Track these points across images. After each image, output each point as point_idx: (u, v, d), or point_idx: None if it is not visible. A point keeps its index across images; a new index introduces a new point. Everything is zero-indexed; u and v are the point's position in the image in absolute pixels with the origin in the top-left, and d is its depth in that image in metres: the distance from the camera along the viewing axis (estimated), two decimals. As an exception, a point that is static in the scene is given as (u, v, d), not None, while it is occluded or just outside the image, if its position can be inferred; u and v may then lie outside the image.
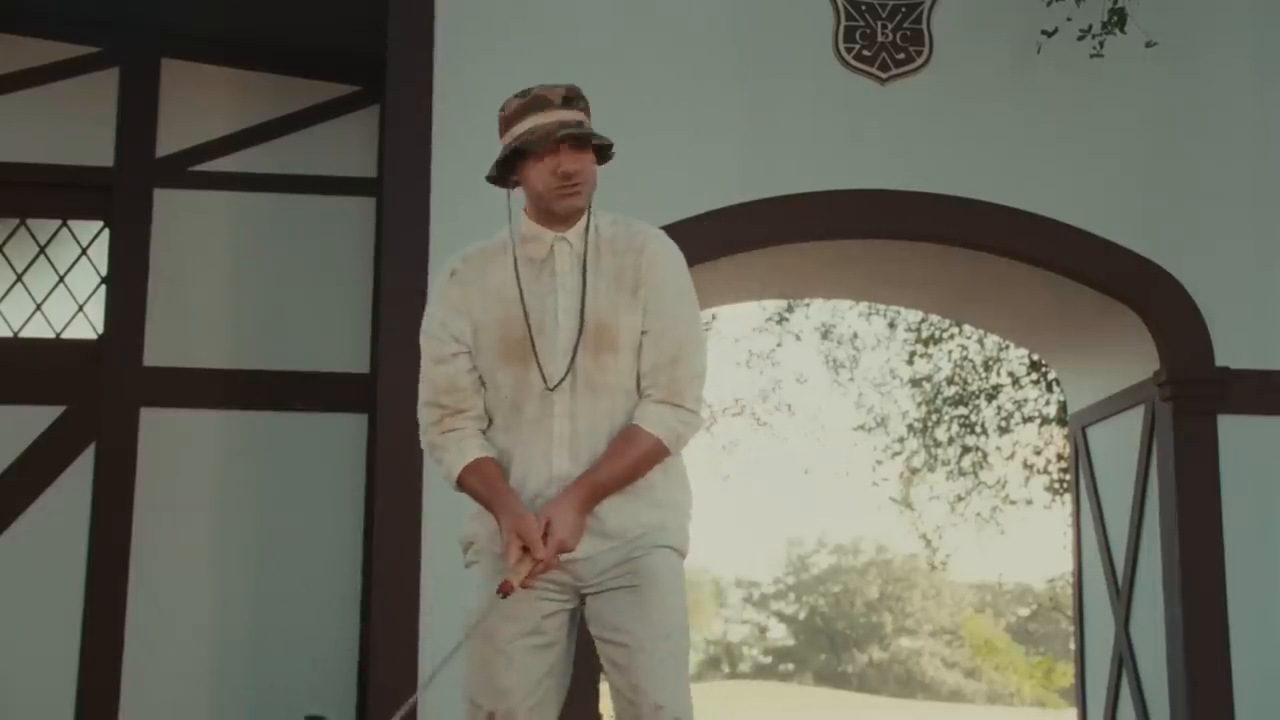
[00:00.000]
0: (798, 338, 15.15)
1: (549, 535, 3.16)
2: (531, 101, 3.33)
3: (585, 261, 3.35)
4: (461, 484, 3.36)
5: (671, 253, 3.42)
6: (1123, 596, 7.54)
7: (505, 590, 3.12)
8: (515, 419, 3.35)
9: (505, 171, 3.40)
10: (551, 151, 3.30)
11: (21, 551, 7.41)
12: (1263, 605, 6.89)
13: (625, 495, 3.31)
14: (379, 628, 6.51)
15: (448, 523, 6.48)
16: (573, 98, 3.33)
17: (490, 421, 3.40)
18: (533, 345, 3.31)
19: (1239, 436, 7.00)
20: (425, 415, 3.44)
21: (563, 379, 3.30)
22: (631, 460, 3.28)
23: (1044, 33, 6.96)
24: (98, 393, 7.56)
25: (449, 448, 3.38)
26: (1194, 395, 7.02)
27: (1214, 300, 7.10)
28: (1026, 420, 14.04)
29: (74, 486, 7.47)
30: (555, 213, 3.34)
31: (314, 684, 7.40)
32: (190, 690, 7.40)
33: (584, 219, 3.39)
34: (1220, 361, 7.06)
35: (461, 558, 3.49)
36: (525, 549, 3.16)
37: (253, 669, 7.44)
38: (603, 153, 3.40)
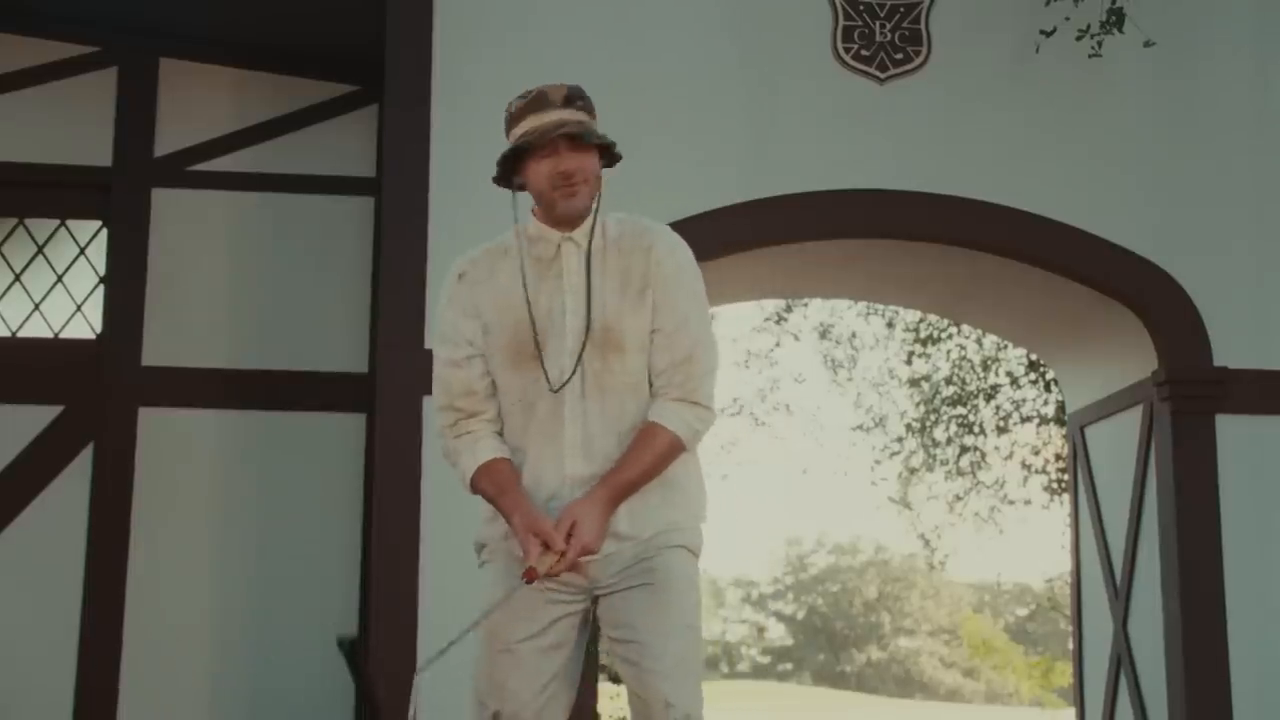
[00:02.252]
0: (796, 337, 15.16)
1: (574, 536, 3.17)
2: (533, 101, 3.33)
3: (590, 262, 3.34)
4: (475, 486, 3.36)
5: (680, 250, 3.41)
6: (1121, 596, 7.54)
7: (530, 577, 3.13)
8: (527, 421, 3.35)
9: (509, 172, 3.39)
10: (551, 151, 3.30)
11: (20, 551, 7.41)
12: (1261, 604, 6.89)
13: (639, 494, 3.31)
14: (377, 627, 6.50)
15: (446, 522, 6.51)
16: (574, 97, 3.33)
17: (504, 423, 3.39)
18: (538, 347, 3.31)
19: (1237, 436, 7.00)
20: (441, 419, 3.42)
21: (568, 380, 3.29)
22: (652, 458, 3.29)
23: (1042, 32, 6.96)
24: (96, 392, 7.56)
25: (463, 451, 3.37)
26: (1192, 395, 7.03)
27: (1212, 300, 7.10)
28: (1025, 420, 14.04)
29: (72, 486, 7.47)
30: (557, 213, 3.34)
31: (312, 683, 7.40)
32: (189, 689, 7.40)
33: (590, 219, 3.38)
34: (1219, 361, 7.06)
35: (476, 558, 3.48)
36: (545, 545, 3.16)
37: (251, 668, 7.44)
38: (610, 155, 3.39)
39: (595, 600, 3.35)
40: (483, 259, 3.43)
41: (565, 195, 3.31)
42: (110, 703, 7.30)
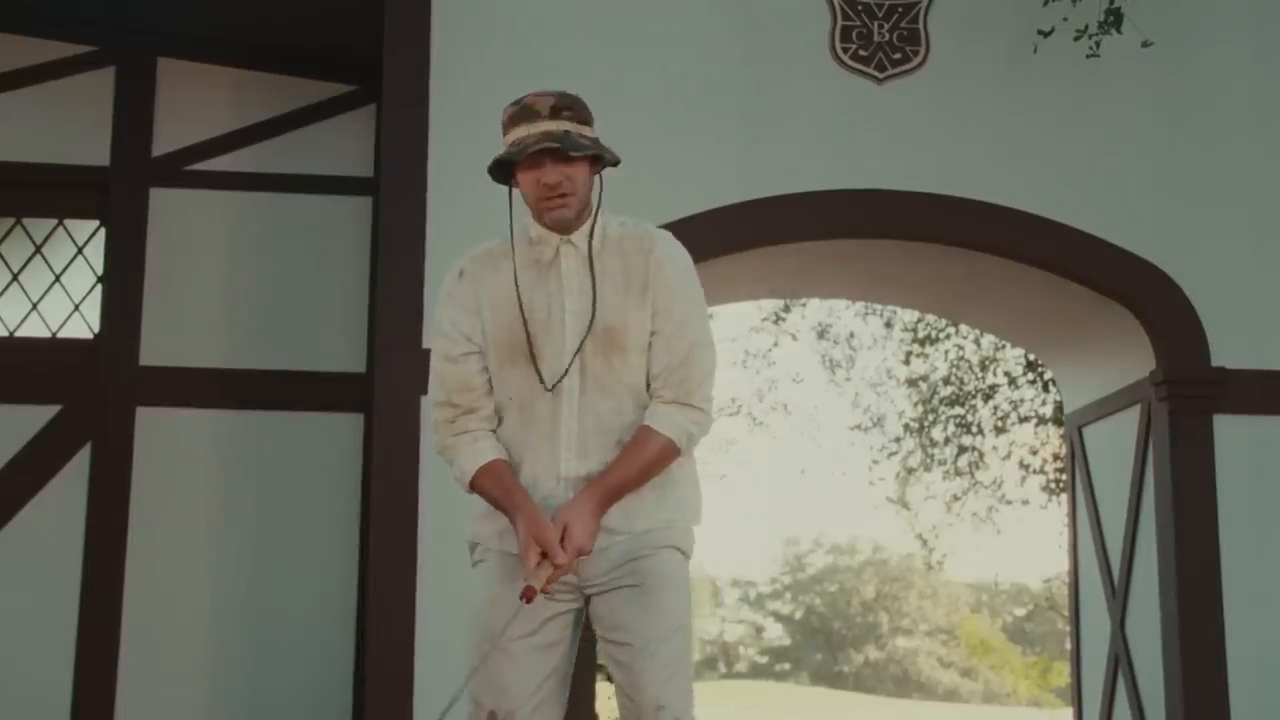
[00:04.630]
0: (794, 337, 15.17)
1: (567, 540, 3.17)
2: (519, 112, 3.34)
3: (591, 264, 3.34)
4: (475, 486, 3.36)
5: (679, 254, 3.42)
6: (1119, 596, 7.55)
7: (529, 596, 3.13)
8: (524, 420, 3.35)
9: (504, 177, 3.41)
10: (535, 164, 3.31)
11: (18, 551, 7.40)
12: (1259, 604, 6.89)
13: (633, 494, 3.32)
14: (375, 626, 6.50)
15: (444, 522, 6.50)
16: (562, 107, 3.32)
17: (500, 421, 3.40)
18: (531, 346, 3.32)
19: (1235, 436, 7.01)
20: (438, 414, 3.41)
21: (560, 379, 3.30)
22: (644, 462, 3.29)
23: (1040, 33, 6.96)
24: (94, 392, 7.56)
25: (461, 449, 3.37)
26: (1190, 395, 7.03)
27: (1210, 300, 7.10)
28: (1023, 420, 14.04)
29: (70, 486, 7.47)
30: (546, 224, 3.35)
31: (310, 682, 7.40)
32: (187, 687, 7.40)
33: (589, 222, 3.38)
34: (1216, 361, 7.07)
35: (468, 557, 3.48)
36: (544, 554, 3.16)
37: (249, 667, 7.44)
38: (604, 161, 3.39)
39: (588, 600, 3.36)
40: (484, 257, 3.44)
41: (550, 207, 3.32)
42: (108, 702, 7.30)
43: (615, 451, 3.31)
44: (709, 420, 3.40)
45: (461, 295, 3.41)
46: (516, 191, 3.43)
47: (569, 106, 3.34)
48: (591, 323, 3.30)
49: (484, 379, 3.38)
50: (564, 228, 3.35)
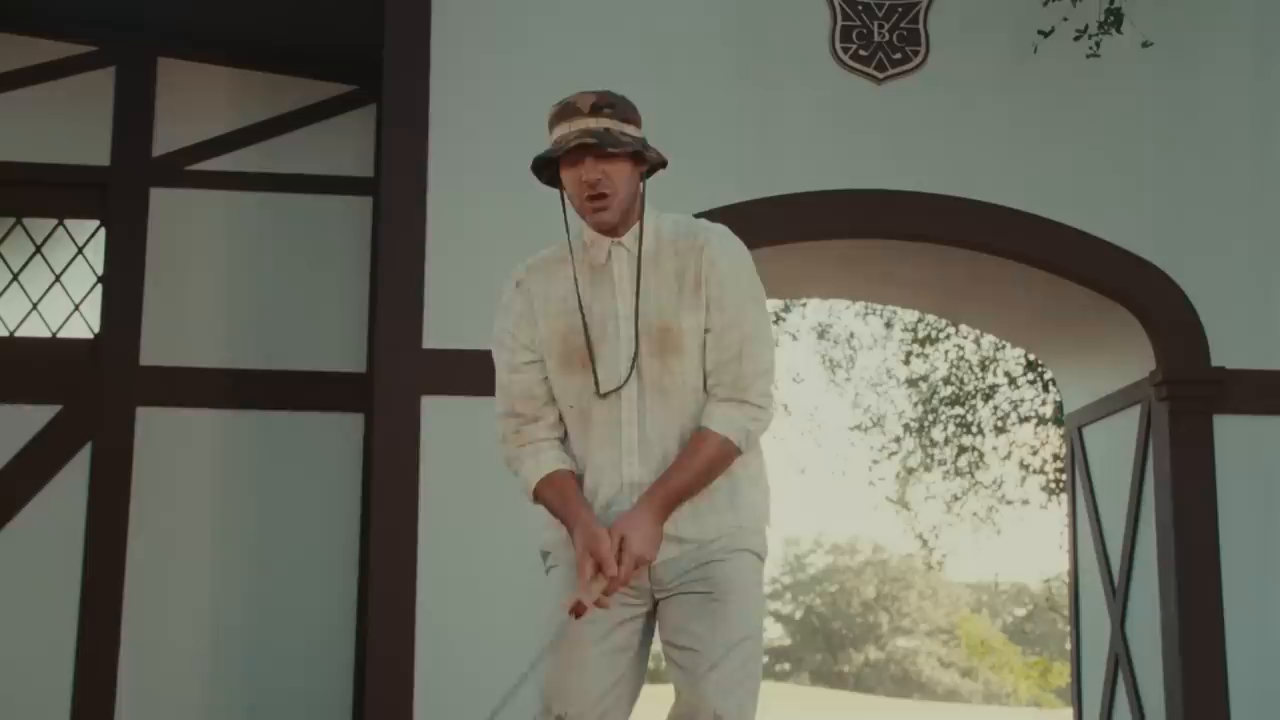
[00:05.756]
0: (794, 337, 15.16)
1: (624, 551, 3.12)
2: (561, 110, 3.30)
3: (640, 266, 3.32)
4: (538, 496, 3.31)
5: (734, 248, 3.38)
6: (1119, 596, 7.54)
7: (578, 612, 3.08)
8: (585, 426, 3.31)
9: (553, 181, 3.38)
10: (576, 161, 3.27)
11: (18, 550, 7.40)
12: (1258, 604, 6.89)
13: (704, 496, 3.27)
14: (376, 626, 6.50)
15: (444, 522, 6.51)
16: (603, 105, 3.29)
17: (565, 431, 3.37)
18: (590, 352, 3.29)
19: (1235, 436, 7.01)
20: (502, 426, 3.37)
21: (622, 385, 3.27)
22: (702, 465, 3.23)
23: (1040, 33, 6.96)
24: (94, 392, 7.56)
25: (525, 460, 3.33)
26: (1190, 395, 7.03)
27: (1210, 300, 7.10)
28: (1023, 420, 14.04)
29: (70, 485, 7.47)
30: (590, 224, 3.32)
31: (310, 682, 7.41)
32: (186, 687, 7.40)
33: (638, 224, 3.36)
34: (1216, 361, 7.07)
35: (540, 565, 3.44)
36: (599, 567, 3.12)
37: (249, 666, 7.44)
38: (646, 161, 3.35)
39: (656, 604, 3.31)
40: (539, 266, 3.41)
41: (592, 209, 3.28)
42: (108, 702, 7.30)
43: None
44: (768, 416, 3.32)
45: (518, 306, 3.37)
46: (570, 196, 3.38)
47: (610, 104, 3.30)
48: (637, 325, 3.27)
49: (545, 387, 3.34)
50: (611, 230, 3.33)
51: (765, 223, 6.99)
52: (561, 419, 3.35)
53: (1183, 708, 6.77)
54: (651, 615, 3.33)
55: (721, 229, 3.42)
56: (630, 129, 3.32)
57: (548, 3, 7.08)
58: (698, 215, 7.27)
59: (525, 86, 6.76)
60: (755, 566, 3.31)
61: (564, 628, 3.17)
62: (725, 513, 3.30)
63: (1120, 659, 7.52)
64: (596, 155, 3.27)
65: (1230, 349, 7.07)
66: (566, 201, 3.36)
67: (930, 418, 14.53)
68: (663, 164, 3.39)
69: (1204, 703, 6.76)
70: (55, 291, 7.79)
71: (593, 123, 3.27)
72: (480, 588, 6.54)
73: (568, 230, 3.37)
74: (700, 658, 3.16)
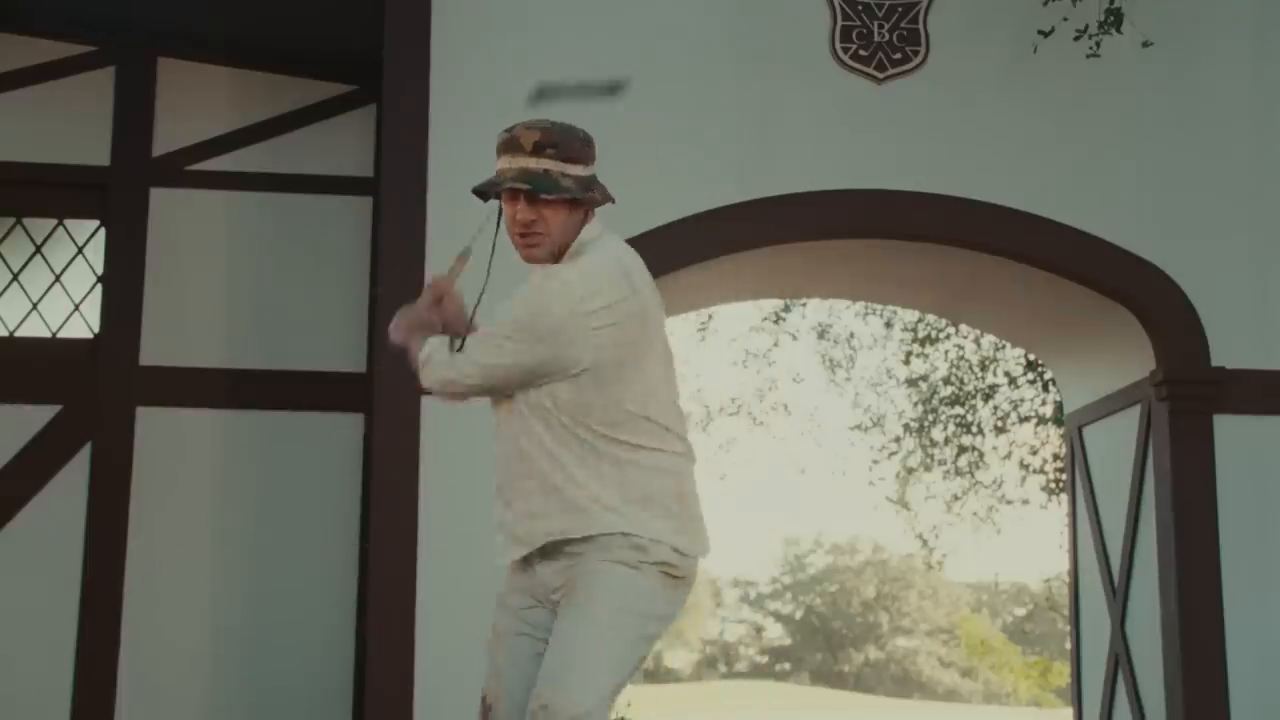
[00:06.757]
0: (794, 337, 15.15)
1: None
2: (506, 142, 3.29)
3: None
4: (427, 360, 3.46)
5: (541, 279, 3.29)
6: (1119, 596, 7.55)
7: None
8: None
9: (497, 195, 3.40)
10: (511, 198, 3.28)
11: (18, 550, 7.40)
12: (1258, 604, 6.90)
13: (539, 497, 3.29)
14: (375, 626, 6.50)
15: (444, 522, 6.51)
16: (546, 144, 3.24)
17: None
18: None
19: (1235, 436, 7.01)
20: (461, 379, 3.41)
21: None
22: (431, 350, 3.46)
23: (1040, 32, 6.96)
24: (94, 392, 7.56)
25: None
26: (1190, 395, 7.03)
27: (1210, 300, 7.10)
28: (1023, 420, 14.04)
29: (70, 485, 7.47)
30: (521, 257, 3.35)
31: (310, 682, 7.40)
32: (186, 687, 7.40)
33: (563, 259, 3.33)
34: (1216, 361, 7.07)
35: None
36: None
37: (249, 667, 7.44)
38: (585, 203, 3.32)
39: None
40: None
41: (524, 245, 3.32)
42: (108, 702, 7.30)
43: (528, 479, 3.29)
44: (457, 384, 3.36)
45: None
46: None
47: (555, 144, 3.25)
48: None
49: None
50: (535, 262, 3.34)
51: (765, 222, 7.00)
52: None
53: (1183, 708, 6.77)
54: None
55: (547, 271, 3.30)
56: (574, 169, 3.27)
57: (548, 3, 7.08)
58: (698, 215, 7.27)
59: (525, 87, 6.73)
60: (609, 566, 3.22)
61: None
62: (561, 514, 3.27)
63: (1120, 659, 7.52)
64: (531, 197, 3.25)
65: (1230, 349, 7.07)
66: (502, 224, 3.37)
67: (930, 418, 14.53)
68: (606, 202, 3.34)
69: (1204, 703, 6.76)
70: (55, 291, 7.78)
71: (533, 163, 3.24)
72: (480, 588, 6.51)
73: (495, 237, 3.38)
74: (543, 655, 3.23)
